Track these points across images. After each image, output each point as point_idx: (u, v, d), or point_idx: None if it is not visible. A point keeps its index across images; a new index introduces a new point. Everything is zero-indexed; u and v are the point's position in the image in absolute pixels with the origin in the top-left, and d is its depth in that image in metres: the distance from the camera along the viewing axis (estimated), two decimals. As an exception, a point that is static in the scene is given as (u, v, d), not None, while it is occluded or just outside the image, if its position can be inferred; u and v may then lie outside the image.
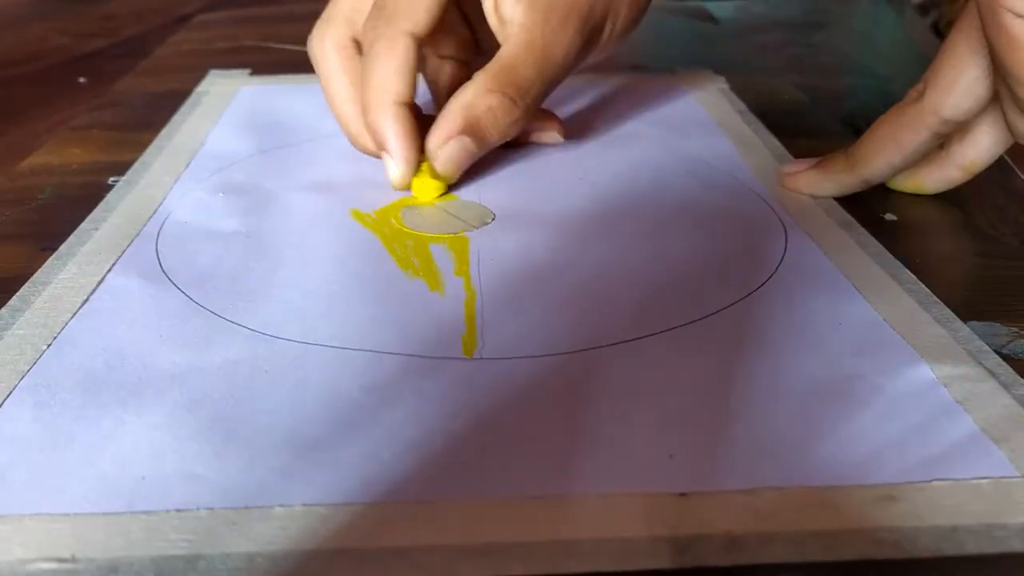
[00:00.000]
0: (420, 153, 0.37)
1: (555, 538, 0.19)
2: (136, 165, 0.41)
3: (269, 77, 0.56)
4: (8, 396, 0.24)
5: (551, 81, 0.36)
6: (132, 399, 0.24)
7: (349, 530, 0.19)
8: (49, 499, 0.20)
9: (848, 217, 0.36)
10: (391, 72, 0.36)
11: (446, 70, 0.42)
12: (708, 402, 0.24)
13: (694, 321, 0.28)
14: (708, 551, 0.19)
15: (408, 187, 0.37)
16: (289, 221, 0.35)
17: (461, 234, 0.34)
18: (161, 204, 0.37)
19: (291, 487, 0.21)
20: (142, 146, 0.43)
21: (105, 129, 0.47)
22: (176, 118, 0.48)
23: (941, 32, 0.65)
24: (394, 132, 0.36)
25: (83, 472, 0.21)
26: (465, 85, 0.35)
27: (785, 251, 0.33)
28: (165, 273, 0.31)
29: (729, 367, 0.25)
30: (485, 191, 0.38)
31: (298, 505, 0.20)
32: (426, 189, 0.37)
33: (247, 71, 0.57)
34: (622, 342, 0.27)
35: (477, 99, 0.35)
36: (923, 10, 0.72)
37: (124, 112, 0.50)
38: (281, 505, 0.20)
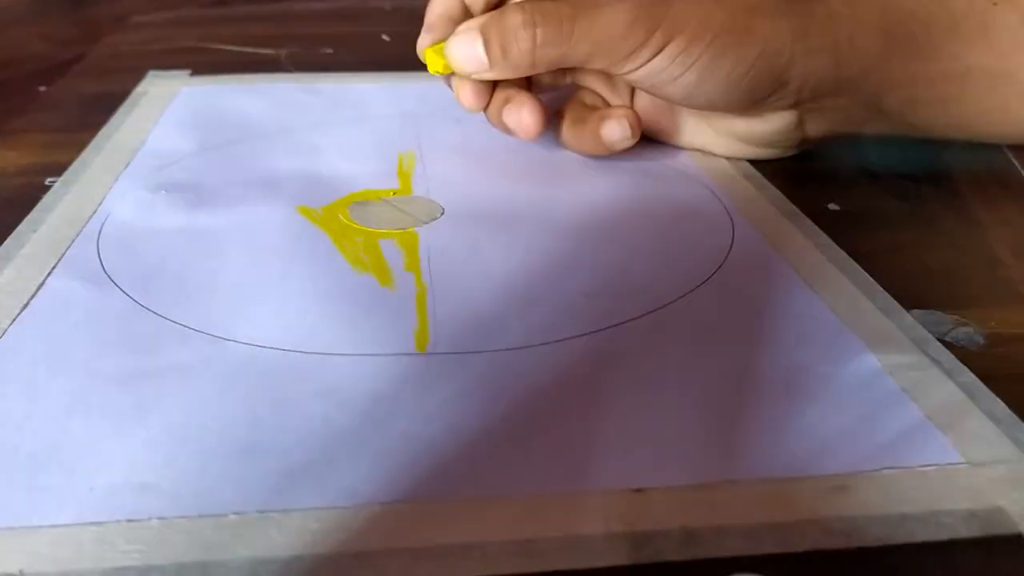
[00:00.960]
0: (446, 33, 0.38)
1: (513, 538, 0.19)
2: (74, 165, 0.40)
3: (210, 77, 0.55)
4: (-52, 406, 0.23)
5: (584, 49, 0.36)
6: (78, 406, 0.23)
7: (303, 535, 0.19)
8: (-6, 512, 0.20)
9: (793, 207, 0.36)
10: None
11: None
12: (659, 397, 0.24)
13: (643, 315, 0.28)
14: (665, 546, 0.19)
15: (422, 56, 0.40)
16: (234, 218, 0.35)
17: (410, 230, 0.34)
18: (101, 204, 0.36)
19: (245, 494, 0.20)
20: (80, 147, 0.42)
21: (42, 131, 0.46)
22: (115, 118, 0.47)
23: None
24: (430, 12, 0.40)
25: (28, 484, 0.20)
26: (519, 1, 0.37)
27: (732, 242, 0.33)
28: (108, 275, 0.30)
29: (679, 360, 0.26)
30: (434, 187, 0.38)
31: (253, 512, 0.20)
32: (431, 59, 0.39)
33: (187, 72, 0.56)
34: (571, 337, 0.27)
35: (510, 15, 0.36)
36: None
37: (59, 114, 0.49)
38: (235, 513, 0.20)
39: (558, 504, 0.20)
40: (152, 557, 0.18)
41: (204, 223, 0.34)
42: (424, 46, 0.39)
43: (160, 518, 0.19)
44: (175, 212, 0.35)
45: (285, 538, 0.19)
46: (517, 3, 0.36)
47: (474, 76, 0.38)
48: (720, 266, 0.31)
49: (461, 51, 0.37)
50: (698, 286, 0.30)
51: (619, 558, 0.19)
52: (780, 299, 0.29)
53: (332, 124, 0.46)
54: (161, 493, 0.20)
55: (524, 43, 0.36)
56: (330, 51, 0.63)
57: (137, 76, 0.55)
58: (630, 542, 0.19)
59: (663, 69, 0.36)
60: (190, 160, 0.41)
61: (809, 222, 0.35)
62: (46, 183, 0.38)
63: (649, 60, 0.35)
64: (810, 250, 0.32)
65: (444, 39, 0.38)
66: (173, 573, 0.18)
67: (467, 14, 0.40)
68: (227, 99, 0.51)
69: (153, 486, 0.20)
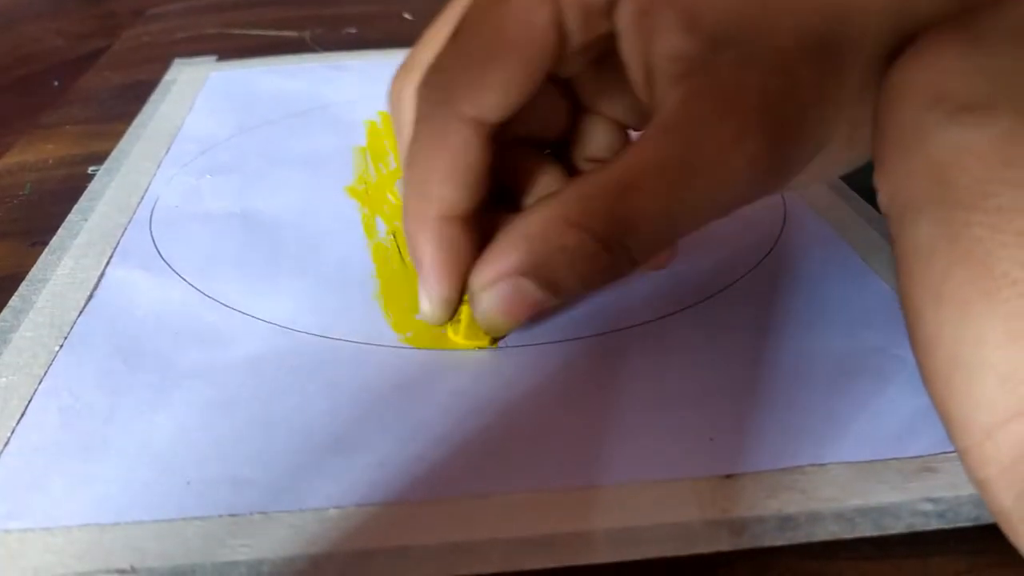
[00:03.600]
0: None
1: (613, 526, 0.19)
2: (114, 153, 0.40)
3: (238, 62, 0.54)
4: (30, 402, 0.23)
5: (683, 226, 0.22)
6: (160, 400, 0.23)
7: (402, 526, 0.19)
8: (95, 508, 0.19)
9: (842, 183, 0.36)
10: (437, 172, 0.24)
11: (527, 163, 0.27)
12: (737, 381, 0.24)
13: (707, 298, 0.28)
14: (763, 531, 0.19)
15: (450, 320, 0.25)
16: (283, 201, 0.35)
17: None
18: (147, 190, 0.36)
19: (341, 488, 0.20)
20: (117, 136, 0.42)
21: (76, 124, 0.46)
22: (148, 106, 0.46)
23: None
24: (430, 257, 0.24)
25: (125, 479, 0.20)
26: (540, 203, 0.22)
27: (785, 219, 0.33)
28: (166, 262, 0.30)
29: (751, 343, 0.26)
30: None
31: (352, 506, 0.20)
32: (466, 335, 0.26)
33: (214, 57, 0.56)
34: (642, 323, 0.26)
35: (548, 231, 0.22)
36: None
37: (92, 106, 0.49)
38: (336, 507, 0.20)
39: (652, 492, 0.20)
40: (260, 551, 0.18)
41: (253, 207, 0.34)
42: (441, 319, 0.24)
43: (262, 512, 0.19)
44: (223, 196, 0.35)
45: (387, 531, 0.19)
46: (553, 210, 0.22)
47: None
48: (776, 243, 0.31)
49: (508, 309, 0.22)
50: (758, 263, 0.30)
51: (720, 544, 0.19)
52: (842, 279, 0.29)
53: (365, 100, 0.46)
54: (257, 487, 0.20)
55: (587, 263, 0.22)
56: (353, 31, 0.63)
57: (162, 65, 0.55)
58: (729, 528, 0.19)
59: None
60: (229, 143, 0.41)
61: (860, 200, 0.34)
62: (88, 172, 0.38)
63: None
64: (864, 228, 0.32)
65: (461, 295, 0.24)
66: (282, 567, 0.18)
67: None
68: (258, 81, 0.50)
69: (249, 480, 0.20)
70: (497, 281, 0.22)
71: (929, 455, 0.21)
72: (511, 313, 0.23)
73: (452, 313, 0.24)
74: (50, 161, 0.40)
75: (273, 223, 0.33)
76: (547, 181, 0.26)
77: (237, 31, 0.63)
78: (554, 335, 0.26)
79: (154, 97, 0.48)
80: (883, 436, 0.22)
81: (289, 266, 0.30)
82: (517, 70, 0.23)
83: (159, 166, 0.38)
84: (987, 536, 0.19)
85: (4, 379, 0.24)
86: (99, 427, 0.22)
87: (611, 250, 0.22)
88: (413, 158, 0.24)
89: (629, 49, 0.23)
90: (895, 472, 0.21)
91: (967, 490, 0.20)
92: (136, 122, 0.44)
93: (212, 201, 0.34)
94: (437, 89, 0.24)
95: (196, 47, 0.59)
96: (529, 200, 0.26)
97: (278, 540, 0.19)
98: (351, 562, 0.18)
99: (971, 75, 0.18)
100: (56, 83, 0.57)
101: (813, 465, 0.21)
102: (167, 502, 0.20)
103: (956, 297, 0.17)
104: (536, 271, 0.22)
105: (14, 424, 0.22)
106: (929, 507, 0.20)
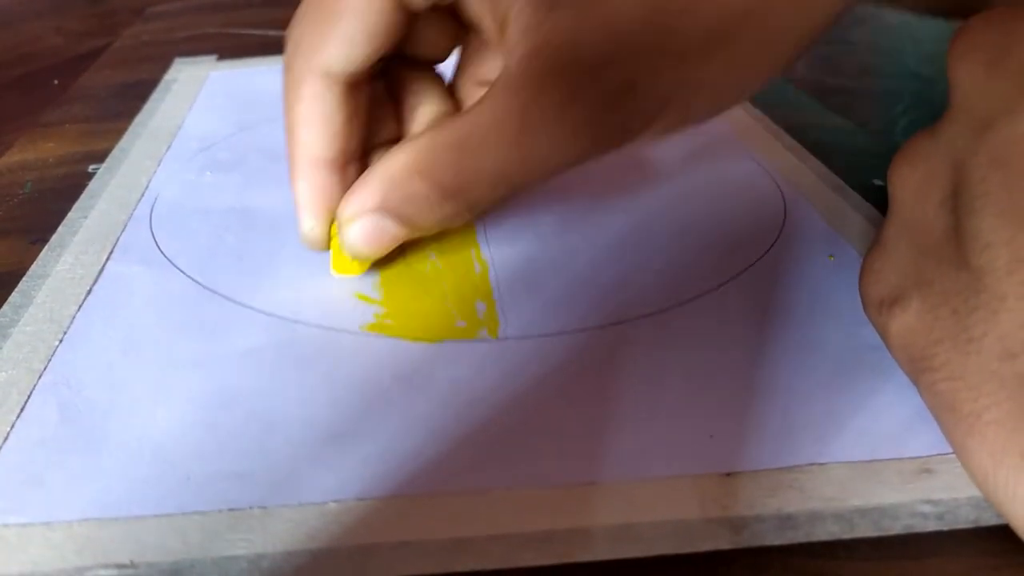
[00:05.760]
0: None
1: (613, 523, 0.19)
2: (115, 152, 0.40)
3: (238, 61, 0.54)
4: (30, 396, 0.23)
5: (518, 183, 0.24)
6: (160, 394, 0.23)
7: (402, 521, 0.19)
8: (95, 503, 0.19)
9: (839, 181, 0.36)
10: (300, 120, 0.27)
11: (414, 83, 0.29)
12: (736, 377, 0.24)
13: (707, 293, 0.28)
14: (763, 531, 0.19)
15: (325, 249, 0.28)
16: (283, 196, 0.34)
17: None
18: (147, 187, 0.36)
19: (341, 482, 0.20)
20: (117, 134, 0.42)
21: (76, 122, 0.46)
22: (149, 105, 0.46)
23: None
24: (299, 197, 0.28)
25: (125, 474, 0.20)
26: (397, 147, 0.25)
27: (785, 215, 0.33)
28: (166, 256, 0.30)
29: (751, 339, 0.25)
30: None
31: (352, 500, 0.20)
32: (342, 261, 0.28)
33: (214, 56, 0.56)
34: (642, 316, 0.26)
35: (402, 178, 0.24)
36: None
37: (93, 104, 0.49)
38: (335, 501, 0.20)
39: (652, 488, 0.20)
40: (259, 546, 0.18)
41: (254, 201, 0.34)
42: (317, 244, 0.28)
43: (261, 507, 0.19)
44: (224, 192, 0.35)
45: (388, 525, 0.19)
46: (408, 157, 0.24)
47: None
48: (776, 239, 0.31)
49: (369, 240, 0.26)
50: (758, 259, 0.30)
51: (721, 543, 0.19)
52: (841, 276, 0.29)
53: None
54: (257, 481, 0.20)
55: (433, 210, 0.25)
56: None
57: (163, 64, 0.55)
58: (729, 526, 0.19)
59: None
60: (230, 140, 0.41)
61: (858, 196, 0.34)
62: (89, 170, 0.38)
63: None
64: (865, 226, 0.32)
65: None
66: (282, 561, 0.18)
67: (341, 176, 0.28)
68: (258, 79, 0.50)
69: (248, 474, 0.20)
70: (360, 216, 0.25)
71: (928, 456, 0.21)
72: (373, 243, 0.26)
73: (323, 244, 0.28)
74: (50, 160, 0.40)
75: (273, 218, 0.33)
76: (429, 103, 0.29)
77: (237, 31, 0.63)
78: (554, 328, 0.26)
79: (154, 96, 0.48)
80: (882, 435, 0.22)
81: (289, 259, 0.30)
82: (356, 26, 0.25)
83: (159, 164, 0.38)
84: (985, 539, 0.20)
85: (3, 374, 0.24)
86: (98, 421, 0.22)
87: (453, 200, 0.24)
88: (285, 105, 0.27)
89: (478, 7, 0.25)
90: (894, 472, 0.21)
91: (965, 492, 0.20)
92: (136, 121, 0.44)
93: (212, 197, 0.34)
94: (292, 42, 0.26)
95: (196, 46, 0.59)
96: (410, 117, 0.29)
97: (278, 535, 0.19)
98: (351, 557, 0.18)
99: None
100: (56, 82, 0.57)
101: (812, 464, 0.21)
102: (167, 496, 0.20)
103: None
104: (392, 210, 0.25)
105: (13, 419, 0.22)
106: (928, 508, 0.20)
